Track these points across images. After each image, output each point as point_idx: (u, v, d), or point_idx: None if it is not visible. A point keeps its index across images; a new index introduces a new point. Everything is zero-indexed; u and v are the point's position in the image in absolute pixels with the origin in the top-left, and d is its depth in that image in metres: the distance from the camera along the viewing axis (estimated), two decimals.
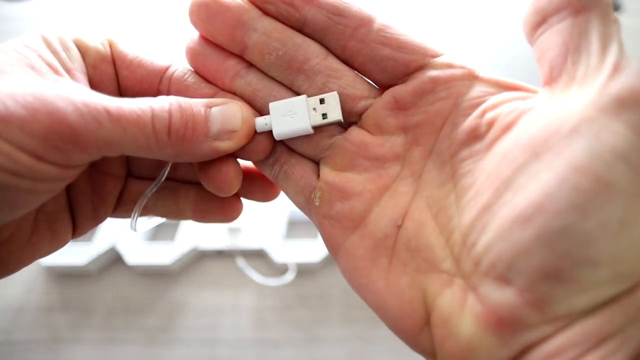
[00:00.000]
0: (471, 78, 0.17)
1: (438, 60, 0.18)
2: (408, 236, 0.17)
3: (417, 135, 0.18)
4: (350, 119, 0.19)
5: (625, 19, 0.49)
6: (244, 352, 0.37)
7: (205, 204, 0.22)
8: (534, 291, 0.13)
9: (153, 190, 0.21)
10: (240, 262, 0.41)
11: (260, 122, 0.19)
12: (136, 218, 0.21)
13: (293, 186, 0.20)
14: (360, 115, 0.19)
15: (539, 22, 0.15)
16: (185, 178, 0.22)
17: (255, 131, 0.19)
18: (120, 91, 0.19)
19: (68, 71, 0.17)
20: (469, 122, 0.17)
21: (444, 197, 0.17)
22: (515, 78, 0.17)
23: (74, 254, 0.40)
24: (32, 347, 0.37)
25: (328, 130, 0.19)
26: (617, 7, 0.62)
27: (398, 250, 0.17)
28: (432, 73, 0.17)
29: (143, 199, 0.21)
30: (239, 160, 0.19)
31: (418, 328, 0.16)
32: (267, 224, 0.42)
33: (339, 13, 0.18)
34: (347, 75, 0.19)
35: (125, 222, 0.22)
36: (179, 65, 0.19)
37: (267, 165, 0.20)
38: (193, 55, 0.19)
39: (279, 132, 0.19)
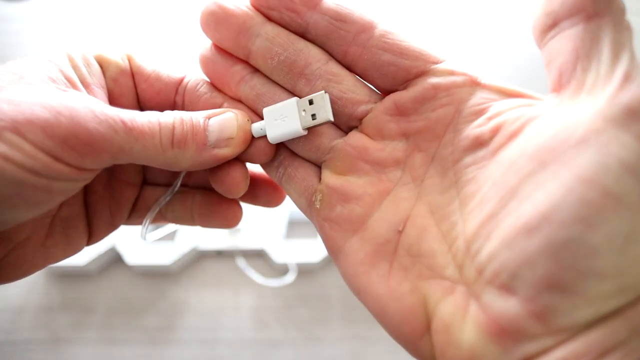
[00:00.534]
0: (473, 85, 0.17)
1: (439, 66, 0.18)
2: (410, 242, 0.17)
3: (418, 141, 0.18)
4: (351, 123, 0.19)
5: None
6: (244, 352, 0.37)
7: (207, 209, 0.23)
8: (537, 302, 0.13)
9: (167, 199, 0.22)
10: (240, 262, 0.41)
11: (257, 128, 0.19)
12: (147, 227, 0.22)
13: (295, 188, 0.20)
14: (360, 119, 0.19)
15: (550, 25, 0.15)
16: (197, 184, 0.24)
17: (253, 136, 0.19)
18: (139, 102, 0.20)
19: (86, 86, 0.18)
20: (473, 128, 0.16)
21: (447, 203, 0.17)
22: (517, 84, 0.17)
23: None
24: (32, 347, 0.37)
25: (329, 134, 0.19)
26: None
27: (399, 255, 0.17)
28: (434, 80, 0.17)
29: (155, 208, 0.22)
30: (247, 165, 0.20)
31: (418, 334, 0.16)
32: (267, 224, 0.42)
33: (341, 19, 0.18)
34: (348, 80, 0.19)
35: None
36: (192, 76, 0.20)
37: (273, 168, 0.21)
38: (204, 62, 0.20)
39: (272, 136, 0.19)
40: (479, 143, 0.16)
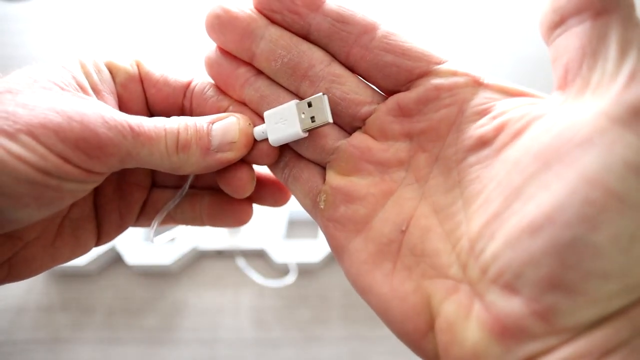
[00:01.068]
0: (476, 85, 0.17)
1: (442, 67, 0.18)
2: (413, 241, 0.17)
3: (422, 141, 0.18)
4: (355, 124, 0.20)
5: None
6: (244, 352, 0.37)
7: (218, 208, 0.23)
8: (540, 302, 0.13)
9: (176, 202, 0.23)
10: (241, 262, 0.41)
11: (258, 131, 0.20)
12: (154, 229, 0.22)
13: (301, 189, 0.20)
14: (364, 120, 0.19)
15: (557, 22, 0.15)
16: (205, 185, 0.24)
17: (256, 139, 0.20)
18: (149, 107, 0.21)
19: (97, 92, 0.19)
20: (476, 128, 0.17)
21: (451, 203, 0.17)
22: (520, 83, 0.17)
23: None
24: (32, 347, 0.37)
25: (333, 135, 0.20)
26: None
27: (403, 255, 0.17)
28: (436, 81, 0.17)
29: (164, 211, 0.22)
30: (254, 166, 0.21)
31: (422, 333, 0.16)
32: (267, 224, 0.42)
33: (343, 20, 0.18)
34: (351, 81, 0.19)
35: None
36: (199, 80, 0.21)
37: (278, 169, 0.21)
38: (210, 65, 0.20)
39: (274, 139, 0.19)
40: (483, 142, 0.16)
